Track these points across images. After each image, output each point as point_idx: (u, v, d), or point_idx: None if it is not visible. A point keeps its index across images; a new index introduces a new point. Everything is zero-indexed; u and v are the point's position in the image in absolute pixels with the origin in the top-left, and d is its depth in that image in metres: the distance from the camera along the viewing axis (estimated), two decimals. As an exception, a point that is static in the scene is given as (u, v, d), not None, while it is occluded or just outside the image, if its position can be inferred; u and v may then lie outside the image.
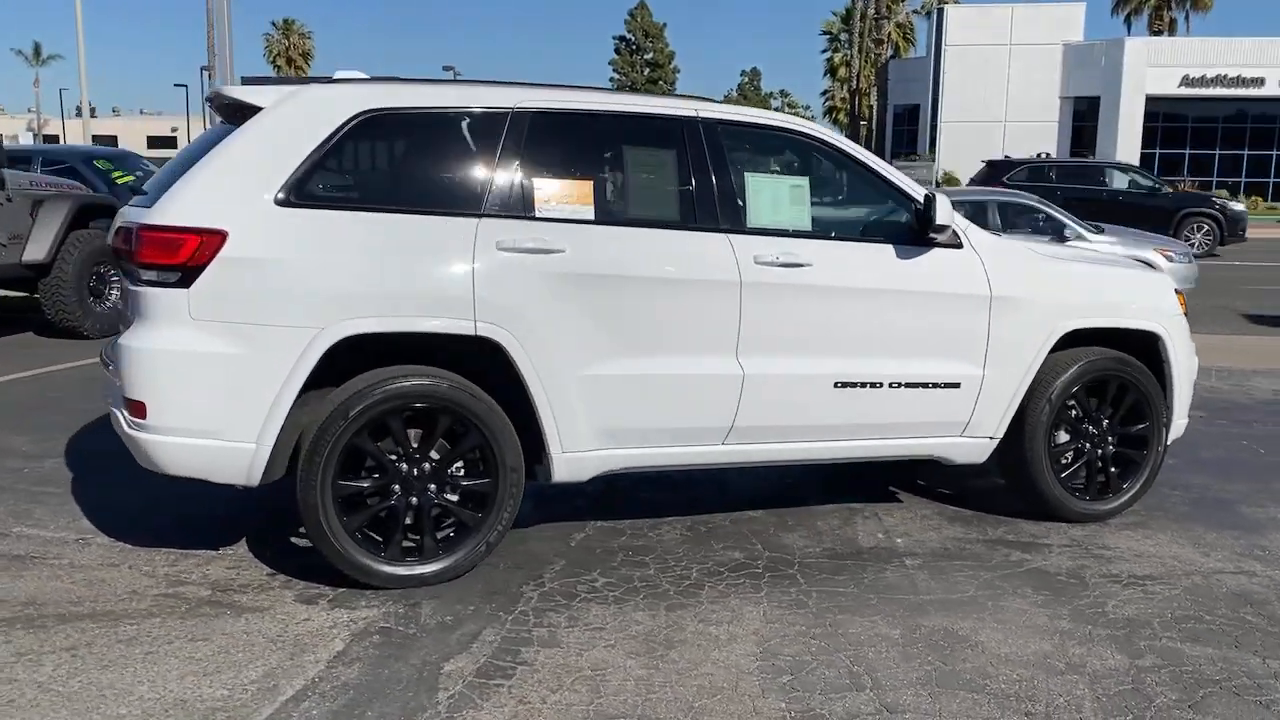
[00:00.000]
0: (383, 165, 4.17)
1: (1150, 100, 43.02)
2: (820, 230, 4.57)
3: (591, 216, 4.16)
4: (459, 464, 4.09)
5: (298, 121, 3.94)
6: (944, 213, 4.47)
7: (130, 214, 4.00)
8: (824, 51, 63.01)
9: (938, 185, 31.48)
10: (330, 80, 4.19)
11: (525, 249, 4.02)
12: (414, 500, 4.00)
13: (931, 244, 4.60)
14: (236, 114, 4.09)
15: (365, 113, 3.98)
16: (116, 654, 3.47)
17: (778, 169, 4.79)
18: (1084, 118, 44.61)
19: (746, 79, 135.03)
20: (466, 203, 4.04)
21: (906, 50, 57.90)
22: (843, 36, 58.90)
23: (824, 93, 71.54)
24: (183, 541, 4.49)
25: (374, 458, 3.96)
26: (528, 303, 4.01)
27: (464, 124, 4.12)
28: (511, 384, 4.07)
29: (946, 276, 4.63)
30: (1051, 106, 44.45)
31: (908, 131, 49.08)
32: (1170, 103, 43.43)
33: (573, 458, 4.20)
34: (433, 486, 4.02)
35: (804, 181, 4.57)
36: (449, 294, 3.93)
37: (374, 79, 4.22)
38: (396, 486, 3.98)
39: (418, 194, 4.06)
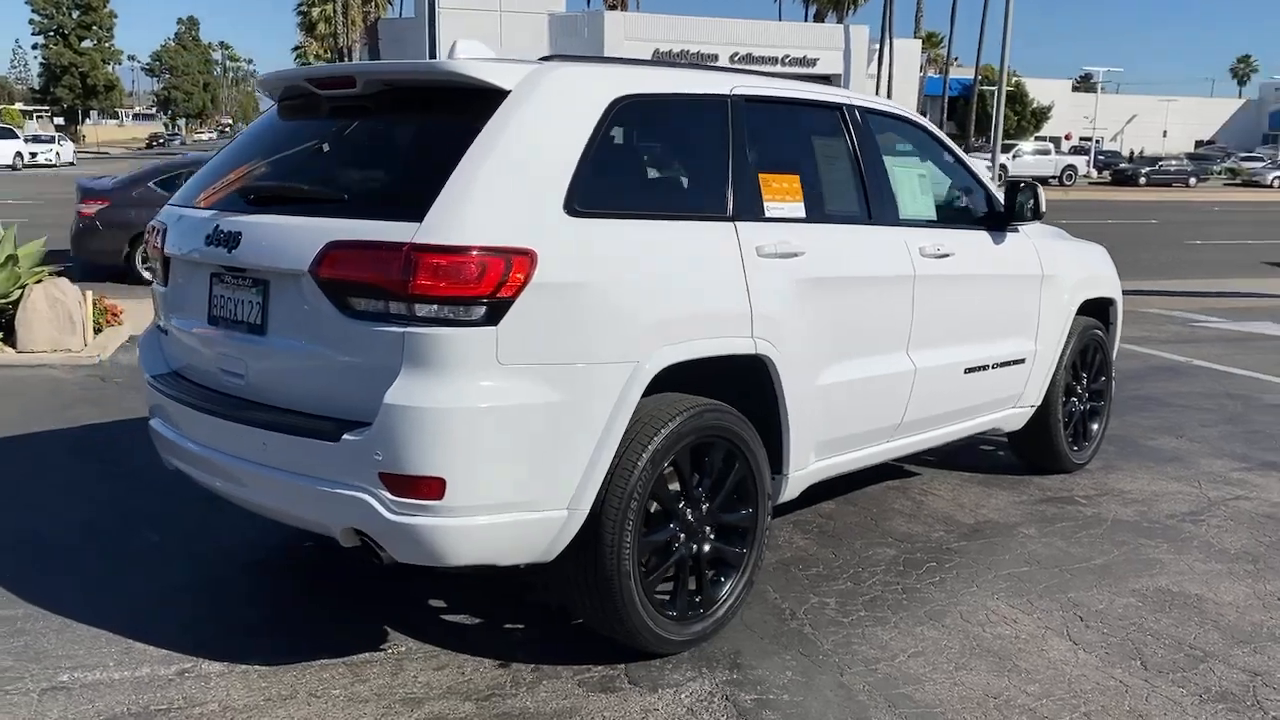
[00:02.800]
0: (640, 162, 3.50)
1: (627, 71, 46.76)
2: (942, 219, 4.62)
3: (803, 214, 3.84)
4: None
5: (560, 109, 3.17)
6: (1044, 202, 4.73)
7: (363, 230, 2.94)
8: (299, 6, 59.95)
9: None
10: (564, 58, 3.41)
11: (781, 254, 3.62)
12: (694, 547, 3.47)
13: (1010, 230, 4.84)
14: (440, 98, 3.21)
15: (621, 99, 3.30)
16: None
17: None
18: (569, 85, 47.29)
19: (184, 27, 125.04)
20: (718, 204, 3.53)
21: (384, 9, 57.14)
22: (321, -7, 56.51)
23: (296, 48, 68.33)
24: (315, 649, 3.47)
25: (666, 505, 3.37)
26: (783, 313, 3.62)
27: (699, 112, 3.59)
28: (754, 403, 3.67)
29: (1020, 259, 4.91)
30: (539, 73, 46.53)
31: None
32: (643, 73, 47.57)
33: (797, 475, 3.89)
34: (707, 528, 3.52)
35: (927, 170, 4.58)
36: (735, 310, 3.44)
37: (574, 57, 3.51)
38: (683, 534, 3.43)
39: (677, 195, 3.50)
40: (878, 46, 50.71)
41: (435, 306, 2.84)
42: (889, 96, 50.51)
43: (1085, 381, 5.63)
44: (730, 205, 3.55)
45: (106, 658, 3.38)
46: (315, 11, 55.97)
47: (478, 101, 3.10)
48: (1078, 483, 5.47)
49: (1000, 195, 4.81)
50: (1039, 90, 69.92)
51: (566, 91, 3.23)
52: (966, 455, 5.89)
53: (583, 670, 3.37)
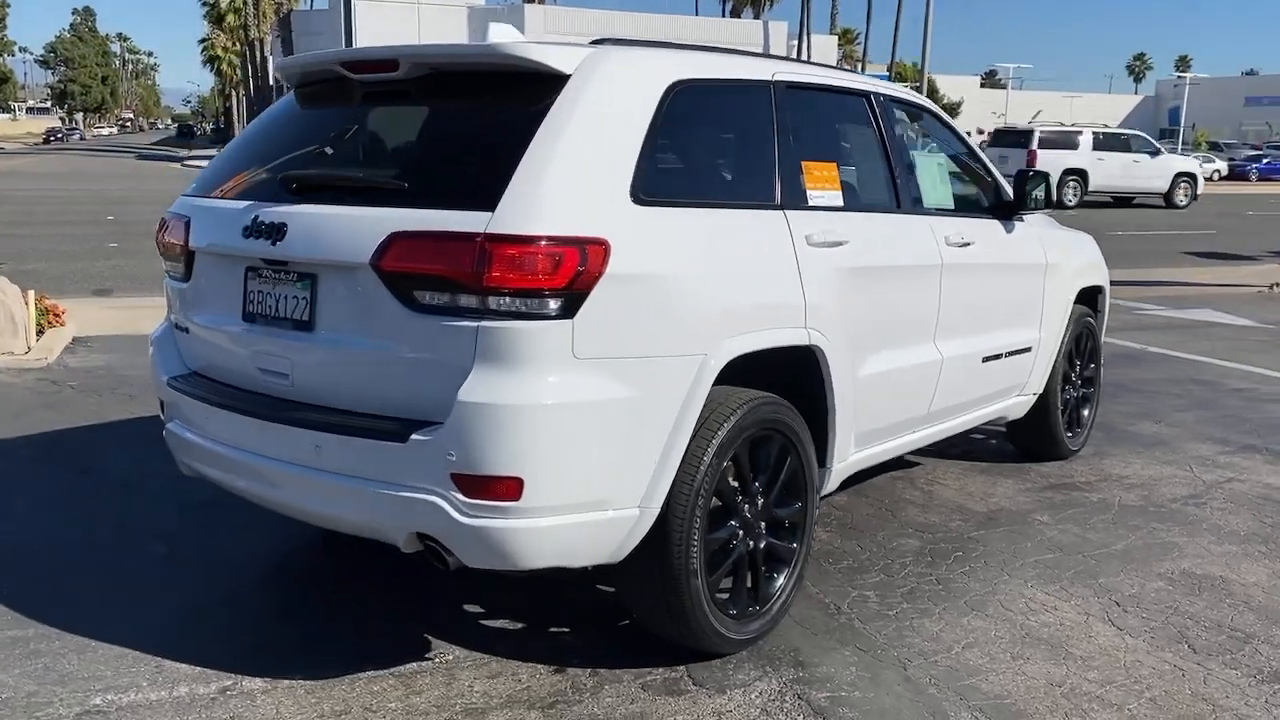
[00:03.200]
0: (696, 149, 3.40)
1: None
2: (959, 208, 4.60)
3: (840, 203, 3.79)
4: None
5: (621, 94, 3.06)
6: (1054, 192, 4.75)
7: (430, 219, 2.79)
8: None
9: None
10: (614, 41, 3.29)
11: (827, 243, 3.56)
12: (751, 543, 3.39)
13: (1017, 219, 4.86)
14: (493, 82, 3.08)
15: (676, 84, 3.21)
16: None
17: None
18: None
19: (79, 18, 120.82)
20: (767, 193, 3.46)
21: (296, 0, 55.86)
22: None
23: (203, 40, 66.41)
24: (358, 660, 3.30)
25: (726, 501, 3.29)
26: (831, 303, 3.56)
27: (747, 98, 3.51)
28: (799, 395, 3.60)
29: (1027, 248, 4.94)
30: (459, 67, 45.87)
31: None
32: (564, 68, 47.25)
33: (839, 467, 3.85)
34: (763, 523, 3.44)
35: (944, 159, 4.56)
36: (791, 300, 3.37)
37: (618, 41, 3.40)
38: (741, 530, 3.35)
39: (730, 183, 3.41)
40: (796, 43, 51.30)
41: (509, 299, 2.71)
42: (807, 92, 51.06)
43: (1079, 368, 5.70)
44: (779, 193, 3.48)
45: (138, 677, 3.18)
46: (224, 3, 54.13)
47: (535, 85, 2.98)
48: (1076, 469, 5.53)
49: (1008, 185, 4.83)
50: (949, 86, 71.48)
51: (627, 76, 3.12)
52: (961, 443, 5.91)
53: (643, 673, 3.27)
